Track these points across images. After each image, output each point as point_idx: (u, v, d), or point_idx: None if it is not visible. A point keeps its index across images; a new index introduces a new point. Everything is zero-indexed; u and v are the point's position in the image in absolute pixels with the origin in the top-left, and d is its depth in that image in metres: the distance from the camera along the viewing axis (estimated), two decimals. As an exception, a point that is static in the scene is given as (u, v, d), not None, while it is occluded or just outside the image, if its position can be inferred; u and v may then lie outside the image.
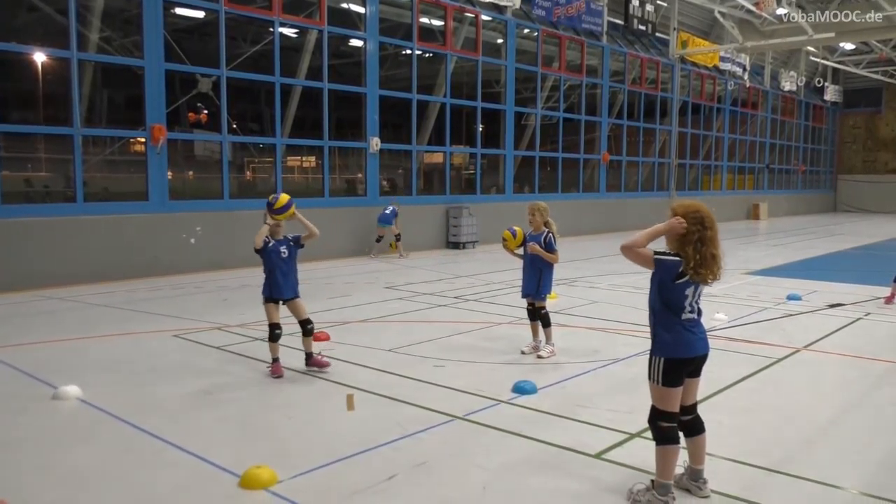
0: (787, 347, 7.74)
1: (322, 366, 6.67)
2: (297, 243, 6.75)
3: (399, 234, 16.67)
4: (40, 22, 15.59)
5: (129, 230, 13.00)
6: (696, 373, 4.08)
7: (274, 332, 6.57)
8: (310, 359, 6.72)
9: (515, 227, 7.31)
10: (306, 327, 6.68)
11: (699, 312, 4.04)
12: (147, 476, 4.39)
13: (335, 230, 16.27)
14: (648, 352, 4.07)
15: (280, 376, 6.45)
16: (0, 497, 4.04)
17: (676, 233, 3.92)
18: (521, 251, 7.36)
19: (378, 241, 16.59)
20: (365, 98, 17.11)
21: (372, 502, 4.02)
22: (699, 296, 4.02)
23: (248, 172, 26.70)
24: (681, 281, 3.88)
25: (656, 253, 3.93)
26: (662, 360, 3.94)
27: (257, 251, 6.60)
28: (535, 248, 7.13)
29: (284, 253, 6.63)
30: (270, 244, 6.59)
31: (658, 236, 3.98)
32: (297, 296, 6.71)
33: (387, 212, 16.46)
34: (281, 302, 6.65)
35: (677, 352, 3.93)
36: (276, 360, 6.59)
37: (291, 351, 7.36)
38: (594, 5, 23.72)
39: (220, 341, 7.91)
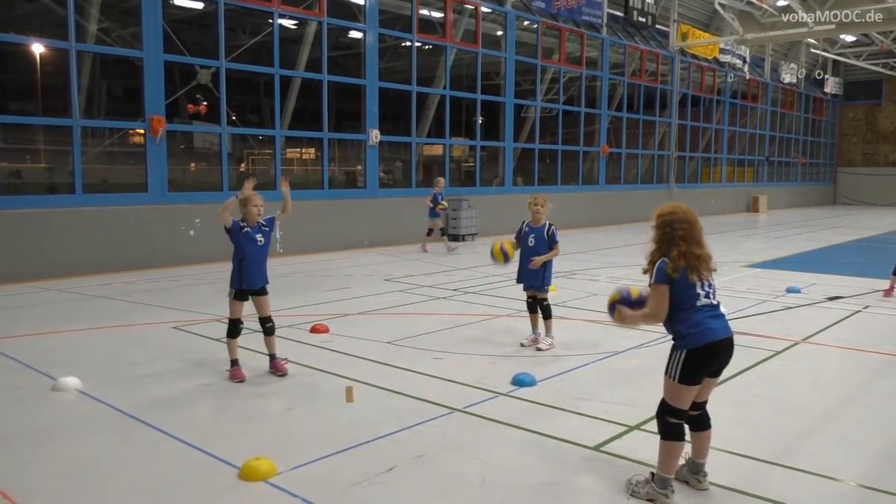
0: (785, 340, 7.74)
1: (281, 371, 6.31)
2: (272, 227, 6.29)
3: (443, 229, 16.51)
4: (38, 13, 15.54)
5: (128, 222, 12.99)
6: (716, 373, 4.03)
7: (237, 327, 6.25)
8: (272, 360, 6.39)
9: (506, 247, 7.18)
10: (266, 325, 6.34)
11: (713, 301, 3.97)
12: (146, 468, 4.39)
13: (334, 222, 16.29)
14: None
15: (242, 381, 6.10)
16: None
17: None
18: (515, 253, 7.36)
19: (429, 234, 16.34)
20: (364, 90, 17.08)
21: (371, 494, 4.03)
22: (708, 283, 3.97)
23: (245, 164, 26.67)
24: (679, 275, 3.86)
25: (652, 281, 3.93)
26: (684, 353, 3.86)
27: (228, 231, 6.13)
28: (537, 262, 7.13)
29: (261, 241, 6.20)
30: (245, 230, 6.14)
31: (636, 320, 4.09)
32: (266, 286, 6.34)
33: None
34: (249, 296, 6.27)
35: (698, 341, 3.85)
36: (235, 362, 6.24)
37: (290, 343, 7.38)
38: (594, -3, 23.67)
39: (219, 333, 7.88)
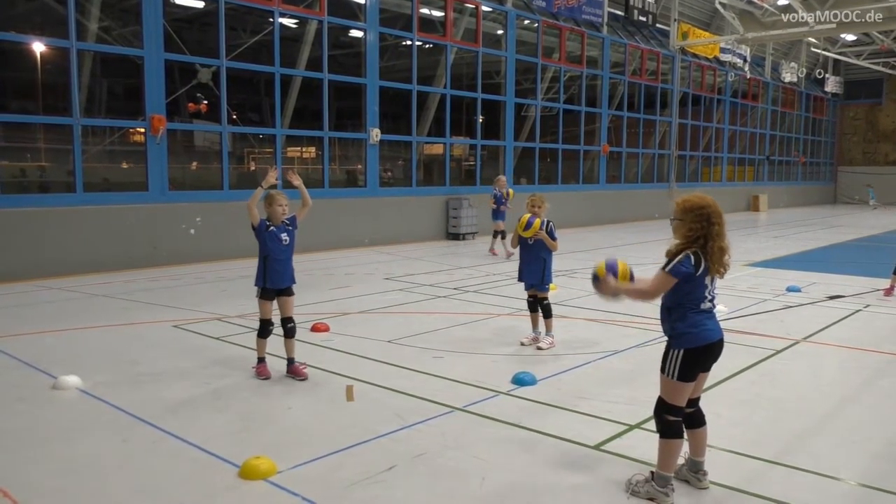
0: (786, 339, 7.74)
1: (301, 376, 6.20)
2: (295, 225, 6.27)
3: (503, 232, 14.85)
4: (39, 11, 15.55)
5: (129, 220, 12.99)
6: (707, 368, 4.06)
7: (266, 328, 6.22)
8: (290, 365, 6.28)
9: (535, 219, 7.23)
10: (287, 326, 6.23)
11: (714, 304, 4.01)
12: (146, 466, 4.39)
13: (335, 221, 16.28)
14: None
15: (267, 378, 6.13)
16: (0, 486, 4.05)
17: (676, 228, 3.94)
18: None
19: (496, 236, 15.24)
20: (365, 89, 17.08)
21: (371, 493, 4.03)
22: (715, 285, 4.00)
23: (249, 163, 26.68)
24: (700, 272, 3.86)
25: (668, 268, 3.87)
26: (682, 352, 3.89)
27: (254, 229, 6.12)
28: (541, 233, 7.14)
29: (286, 240, 6.16)
30: (270, 229, 6.13)
31: (627, 292, 4.00)
32: (292, 286, 6.30)
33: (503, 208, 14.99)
34: (276, 295, 6.23)
35: (696, 340, 3.89)
36: (262, 360, 6.26)
37: (297, 343, 7.36)
38: (595, -4, 23.65)
39: (219, 332, 7.91)
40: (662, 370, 3.98)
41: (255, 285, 6.24)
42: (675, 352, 3.92)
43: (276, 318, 6.28)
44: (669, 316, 3.98)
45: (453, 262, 14.41)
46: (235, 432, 4.97)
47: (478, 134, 20.85)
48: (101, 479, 4.24)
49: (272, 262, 6.14)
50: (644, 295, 3.97)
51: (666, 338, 4.05)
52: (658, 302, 4.07)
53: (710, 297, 3.96)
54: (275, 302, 6.26)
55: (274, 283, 6.17)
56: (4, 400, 5.65)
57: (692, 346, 3.89)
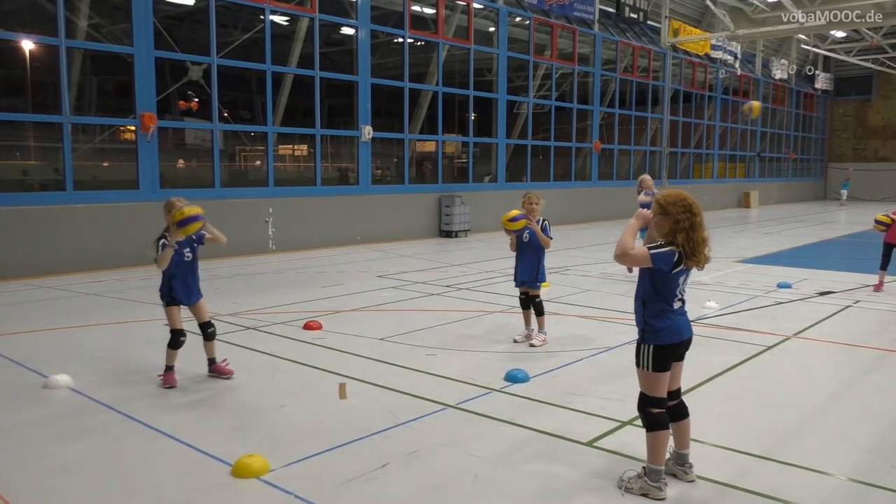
0: (777, 335, 7.78)
1: (225, 373, 6.13)
2: (200, 241, 6.01)
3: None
4: (28, 8, 15.44)
5: (120, 219, 12.94)
6: (681, 357, 4.15)
7: (178, 339, 5.95)
8: (212, 365, 6.17)
9: (522, 218, 7.19)
10: (207, 331, 6.11)
11: (684, 301, 4.11)
12: (138, 465, 4.38)
13: (327, 219, 16.27)
14: (637, 341, 4.10)
15: (173, 387, 5.86)
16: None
17: (659, 224, 3.99)
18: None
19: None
20: (357, 86, 17.05)
21: (364, 490, 4.03)
22: (686, 283, 4.11)
23: (241, 161, 26.59)
24: (676, 270, 3.94)
25: (650, 248, 3.94)
26: (652, 347, 3.99)
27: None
28: (532, 223, 7.13)
29: (188, 256, 5.95)
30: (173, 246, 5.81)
31: (636, 230, 4.05)
32: (199, 298, 6.11)
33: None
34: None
35: (667, 338, 3.99)
36: (170, 368, 5.97)
37: (283, 340, 7.36)
38: (586, -7, 23.66)
39: (211, 330, 7.88)
40: (638, 364, 4.08)
41: (161, 298, 6.03)
42: (646, 347, 4.02)
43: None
44: (644, 310, 4.06)
45: (446, 259, 14.41)
46: (228, 430, 4.96)
47: (470, 131, 20.85)
48: (93, 477, 4.23)
49: (177, 280, 5.94)
50: (624, 246, 3.95)
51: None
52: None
53: (680, 297, 4.05)
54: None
55: (178, 299, 5.99)
56: (-5, 399, 5.63)
57: (661, 343, 3.99)
